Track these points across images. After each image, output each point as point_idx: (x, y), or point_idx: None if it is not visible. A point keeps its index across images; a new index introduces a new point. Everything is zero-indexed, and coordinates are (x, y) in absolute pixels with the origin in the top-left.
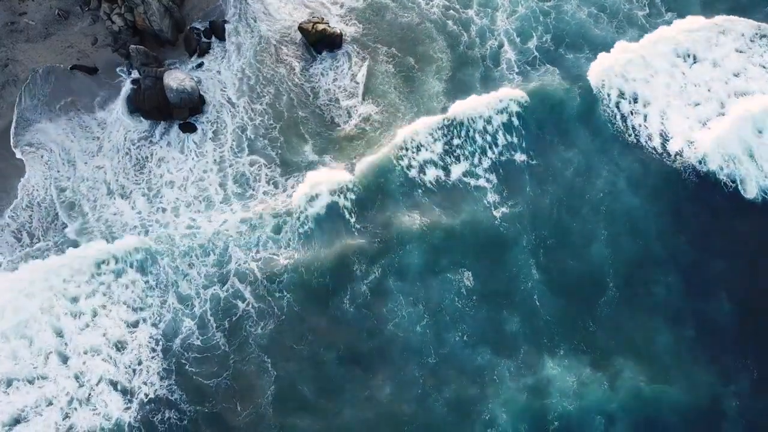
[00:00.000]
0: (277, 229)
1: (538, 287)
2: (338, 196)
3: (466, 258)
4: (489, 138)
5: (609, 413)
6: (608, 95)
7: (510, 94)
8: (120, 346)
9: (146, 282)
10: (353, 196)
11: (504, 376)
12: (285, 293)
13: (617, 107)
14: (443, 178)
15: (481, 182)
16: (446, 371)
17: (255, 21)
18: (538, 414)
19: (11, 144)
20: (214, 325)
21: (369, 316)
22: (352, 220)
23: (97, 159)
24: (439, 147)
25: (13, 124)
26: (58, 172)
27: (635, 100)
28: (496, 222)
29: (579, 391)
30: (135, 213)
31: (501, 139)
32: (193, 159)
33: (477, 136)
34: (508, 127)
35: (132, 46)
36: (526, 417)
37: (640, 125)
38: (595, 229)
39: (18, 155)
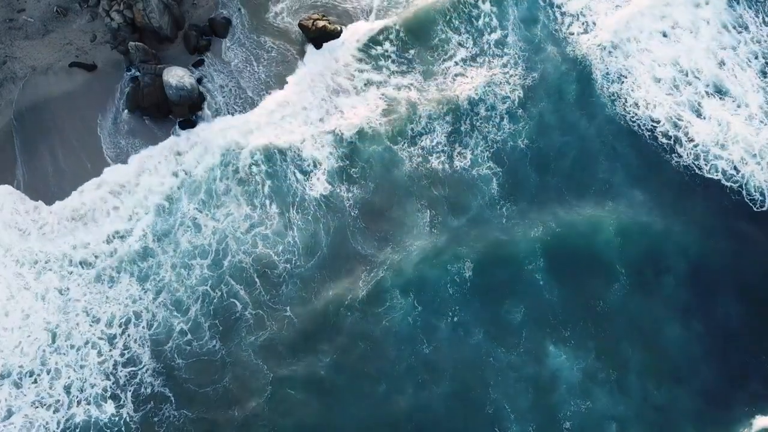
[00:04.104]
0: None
1: None
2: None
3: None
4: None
5: (618, 415)
6: None
7: None
8: (114, 342)
9: (140, 280)
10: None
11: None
12: (284, 294)
13: None
14: None
15: None
16: (447, 369)
17: (255, 18)
18: (547, 410)
19: None
20: (206, 325)
21: (367, 314)
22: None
23: None
24: None
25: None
26: None
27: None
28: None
29: (586, 389)
30: None
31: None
32: None
33: None
34: None
35: (131, 43)
36: (533, 413)
37: None
38: None
39: None
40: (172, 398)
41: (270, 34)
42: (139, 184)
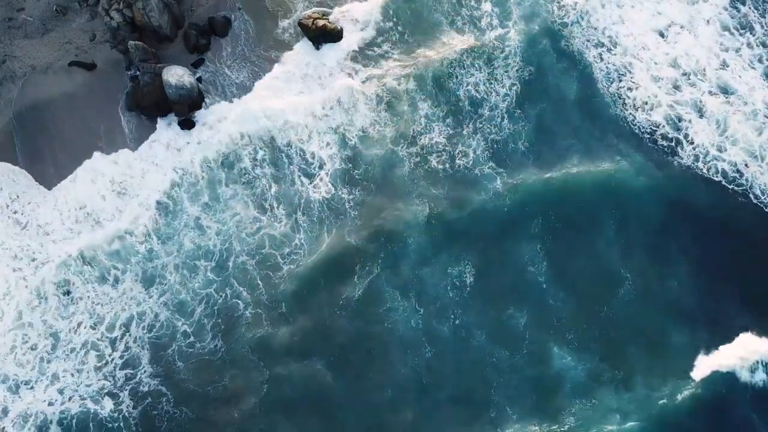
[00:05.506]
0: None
1: None
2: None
3: None
4: None
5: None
6: None
7: None
8: (114, 343)
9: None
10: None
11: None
12: (284, 292)
13: None
14: None
15: None
16: (447, 368)
17: (255, 16)
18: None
19: None
20: (209, 326)
21: (367, 316)
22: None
23: None
24: None
25: None
26: None
27: None
28: None
29: (591, 390)
30: None
31: None
32: None
33: None
34: None
35: (131, 42)
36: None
37: None
38: None
39: None
40: (171, 396)
41: (274, 46)
42: (141, 184)
